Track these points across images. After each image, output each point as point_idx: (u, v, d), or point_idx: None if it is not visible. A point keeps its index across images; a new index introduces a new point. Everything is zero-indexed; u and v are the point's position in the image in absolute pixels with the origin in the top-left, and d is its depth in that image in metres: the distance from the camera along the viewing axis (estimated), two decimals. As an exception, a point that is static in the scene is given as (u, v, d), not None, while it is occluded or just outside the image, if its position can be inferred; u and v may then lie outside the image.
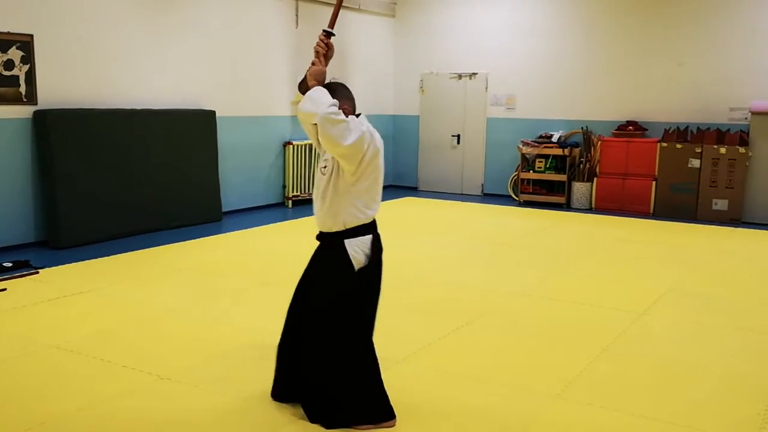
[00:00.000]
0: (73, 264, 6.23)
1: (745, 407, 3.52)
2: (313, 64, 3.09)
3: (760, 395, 3.66)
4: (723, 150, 9.02)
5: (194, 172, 8.21)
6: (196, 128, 8.23)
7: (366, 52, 11.30)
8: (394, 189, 11.76)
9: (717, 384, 3.83)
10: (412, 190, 11.78)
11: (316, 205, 3.17)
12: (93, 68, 7.27)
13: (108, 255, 6.57)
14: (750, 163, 8.96)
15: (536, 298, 5.45)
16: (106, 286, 5.53)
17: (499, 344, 4.37)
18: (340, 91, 3.13)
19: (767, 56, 9.15)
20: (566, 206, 10.17)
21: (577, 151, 10.22)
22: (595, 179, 9.96)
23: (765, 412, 3.46)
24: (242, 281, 5.77)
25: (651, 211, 9.57)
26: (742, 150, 8.92)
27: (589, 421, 3.37)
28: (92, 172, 7.08)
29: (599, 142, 9.91)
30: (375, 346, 3.24)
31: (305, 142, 9.91)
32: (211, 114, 8.41)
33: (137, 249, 6.84)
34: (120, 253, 6.67)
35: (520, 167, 10.51)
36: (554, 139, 10.25)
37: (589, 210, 9.97)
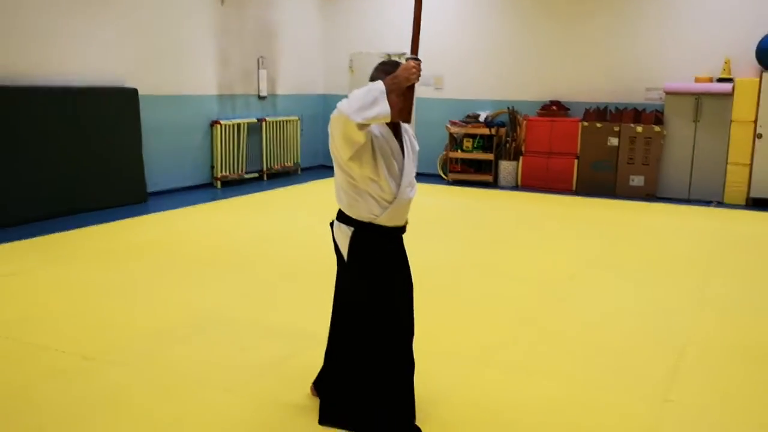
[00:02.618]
0: (-11, 247, 6.00)
1: (654, 368, 3.75)
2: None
3: (668, 356, 3.90)
4: (639, 129, 9.42)
5: (117, 153, 7.99)
6: (117, 107, 7.99)
7: (294, 31, 11.20)
8: (324, 169, 11.75)
9: (630, 347, 4.05)
10: (343, 170, 11.76)
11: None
12: (8, 45, 6.94)
13: (28, 237, 6.34)
14: (664, 141, 9.38)
15: (464, 272, 5.59)
16: (27, 269, 5.35)
17: (425, 315, 4.47)
18: None
19: (680, 39, 9.57)
20: (493, 184, 10.41)
21: (503, 130, 10.45)
22: (520, 158, 10.22)
23: (673, 372, 3.69)
24: (170, 261, 5.69)
25: (573, 188, 9.91)
26: (657, 128, 9.34)
27: (512, 383, 3.52)
28: (10, 153, 6.81)
29: (524, 122, 10.17)
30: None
31: (233, 121, 9.78)
32: (134, 92, 8.18)
33: (59, 231, 6.63)
34: (41, 235, 6.46)
35: (448, 147, 10.68)
36: (481, 118, 10.45)
37: (515, 188, 10.24)
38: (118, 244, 6.23)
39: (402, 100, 2.75)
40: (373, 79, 2.85)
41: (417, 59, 2.73)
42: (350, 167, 2.80)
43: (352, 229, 2.89)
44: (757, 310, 4.76)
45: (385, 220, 2.88)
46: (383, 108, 2.61)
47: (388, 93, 2.63)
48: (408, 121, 2.82)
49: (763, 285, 5.39)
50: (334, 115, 2.68)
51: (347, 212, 2.90)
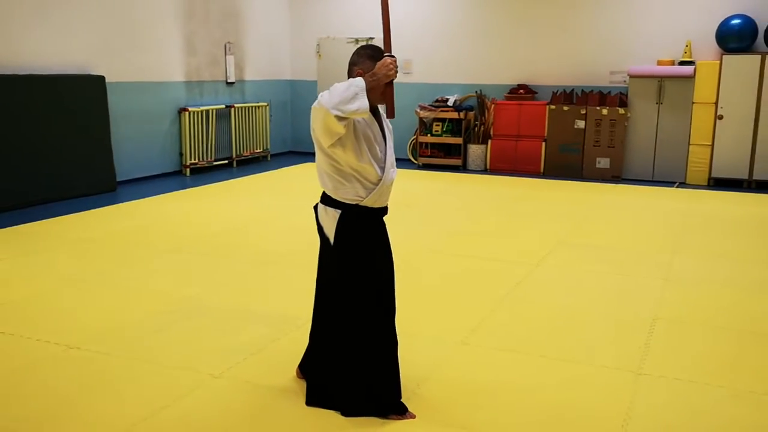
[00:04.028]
0: (-42, 239, 5.89)
1: (626, 343, 3.89)
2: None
3: (640, 332, 4.05)
4: (605, 111, 9.60)
5: (85, 141, 7.88)
6: (84, 95, 7.87)
7: (261, 17, 11.11)
8: (292, 155, 11.74)
9: (602, 324, 4.19)
10: (311, 156, 11.77)
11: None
12: (-32, 30, 6.79)
13: (-3, 228, 6.26)
14: (628, 124, 9.59)
15: (438, 255, 5.69)
16: (1, 260, 5.29)
17: (405, 298, 4.55)
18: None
19: (643, 23, 9.76)
20: (463, 168, 10.52)
21: (471, 114, 10.55)
22: (489, 141, 10.34)
23: (644, 347, 3.83)
24: (143, 251, 5.66)
25: (541, 171, 10.07)
26: (621, 111, 9.53)
27: (492, 362, 3.63)
28: (-27, 142, 6.68)
29: (492, 106, 10.28)
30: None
31: (201, 108, 9.70)
32: (101, 79, 8.07)
33: (28, 222, 6.53)
34: (10, 226, 6.36)
35: (418, 131, 10.74)
36: (450, 102, 10.53)
37: (485, 171, 10.36)
38: (89, 233, 6.17)
39: (383, 96, 2.83)
40: (353, 63, 2.92)
41: (392, 56, 2.80)
42: (334, 153, 2.86)
43: (339, 211, 2.94)
44: (720, 285, 4.95)
45: (371, 201, 2.94)
46: (362, 103, 2.69)
47: (368, 90, 2.71)
48: (392, 116, 2.89)
49: (726, 261, 5.59)
50: (315, 107, 2.75)
51: (333, 195, 2.95)
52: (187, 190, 8.49)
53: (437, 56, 10.95)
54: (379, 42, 10.82)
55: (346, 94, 2.67)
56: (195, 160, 9.68)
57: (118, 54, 8.51)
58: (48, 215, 6.81)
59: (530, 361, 3.64)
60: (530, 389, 3.33)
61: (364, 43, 3.11)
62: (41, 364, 3.51)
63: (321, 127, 2.76)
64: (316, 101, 2.73)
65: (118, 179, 8.48)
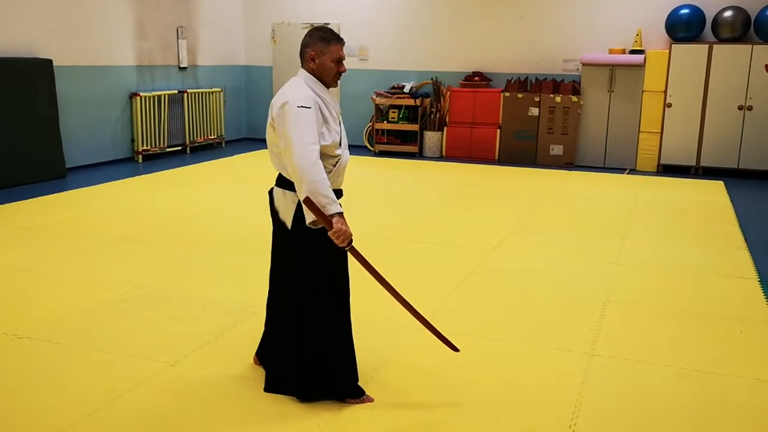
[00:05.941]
0: None
1: (579, 325, 3.98)
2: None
3: (593, 314, 4.15)
4: (558, 99, 9.74)
5: (31, 127, 7.65)
6: (31, 79, 7.63)
7: (214, 0, 10.91)
8: (247, 141, 11.60)
9: (555, 307, 4.28)
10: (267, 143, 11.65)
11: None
12: None
13: (-62, 217, 6.04)
14: (581, 111, 9.75)
15: (394, 241, 5.71)
16: (-59, 250, 5.11)
17: (361, 283, 4.57)
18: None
19: (595, 12, 9.92)
20: (419, 155, 10.56)
21: (428, 101, 10.59)
22: (445, 128, 10.40)
23: (596, 328, 3.93)
24: (95, 238, 5.54)
25: (496, 158, 10.18)
26: (574, 99, 9.69)
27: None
28: None
29: (448, 93, 10.33)
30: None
31: (153, 93, 9.50)
32: (48, 63, 7.83)
33: (-28, 210, 6.34)
34: (-48, 214, 6.16)
35: (374, 118, 10.73)
36: (406, 89, 10.54)
37: (440, 158, 10.42)
38: (37, 221, 6.01)
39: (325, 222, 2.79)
40: (305, 44, 2.96)
41: (348, 244, 2.83)
42: None
43: None
44: (668, 268, 5.10)
45: (330, 183, 2.94)
46: (318, 210, 2.71)
47: (326, 216, 2.73)
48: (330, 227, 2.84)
49: (673, 245, 5.76)
50: (294, 153, 2.74)
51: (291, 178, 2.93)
52: (140, 177, 8.33)
53: (393, 43, 10.94)
54: (334, 27, 10.75)
55: (321, 198, 2.71)
56: (147, 146, 9.48)
57: (66, 37, 8.26)
58: (-7, 203, 6.62)
59: (486, 344, 3.69)
60: (486, 371, 3.38)
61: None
62: (-11, 355, 3.42)
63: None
64: (295, 160, 2.72)
65: (68, 166, 8.27)
